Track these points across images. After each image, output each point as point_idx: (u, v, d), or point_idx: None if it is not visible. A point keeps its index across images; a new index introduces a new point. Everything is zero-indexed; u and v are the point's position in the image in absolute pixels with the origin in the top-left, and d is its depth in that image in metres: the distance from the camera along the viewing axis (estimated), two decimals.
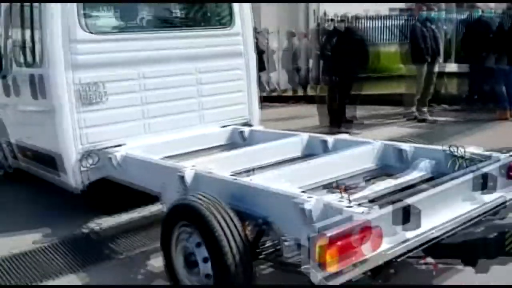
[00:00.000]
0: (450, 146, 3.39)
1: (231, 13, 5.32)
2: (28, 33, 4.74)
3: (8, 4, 5.10)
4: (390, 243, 2.47)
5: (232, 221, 2.82)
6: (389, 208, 2.48)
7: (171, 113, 4.94)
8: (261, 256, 2.99)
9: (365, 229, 2.31)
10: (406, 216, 2.53)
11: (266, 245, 3.04)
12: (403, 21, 14.20)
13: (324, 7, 13.63)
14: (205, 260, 2.93)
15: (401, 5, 16.17)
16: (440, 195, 2.77)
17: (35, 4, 4.53)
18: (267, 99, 11.79)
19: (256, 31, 11.83)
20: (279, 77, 13.84)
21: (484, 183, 3.07)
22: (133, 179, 4.18)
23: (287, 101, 12.67)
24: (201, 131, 5.07)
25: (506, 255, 2.78)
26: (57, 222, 4.73)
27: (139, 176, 4.10)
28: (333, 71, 8.44)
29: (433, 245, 2.64)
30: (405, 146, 3.78)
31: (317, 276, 2.21)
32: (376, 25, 15.75)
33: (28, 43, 4.76)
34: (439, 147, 3.52)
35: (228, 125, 5.30)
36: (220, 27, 5.35)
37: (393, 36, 15.35)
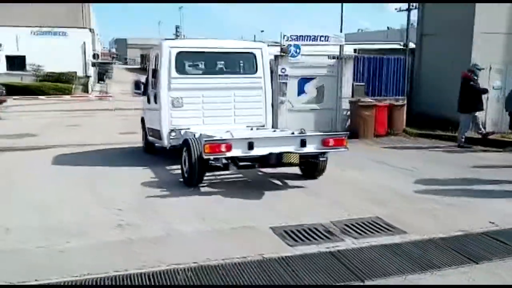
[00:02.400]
0: (302, 129, 7.64)
1: (256, 66, 9.97)
2: (155, 72, 10.01)
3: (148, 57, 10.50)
4: (240, 153, 6.94)
5: (199, 146, 7.41)
6: (240, 138, 6.98)
7: (217, 116, 9.67)
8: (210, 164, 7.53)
9: (224, 143, 6.86)
10: (249, 144, 6.95)
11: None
12: None
13: None
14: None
15: None
16: (268, 140, 7.15)
17: (158, 58, 9.75)
18: (472, 141, 11.86)
19: (472, 68, 11.77)
20: (485, 118, 12.79)
21: (303, 144, 7.28)
22: None
23: (495, 145, 11.84)
24: (232, 127, 9.71)
25: (284, 165, 7.08)
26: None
27: None
28: None
29: (259, 159, 7.04)
30: (297, 132, 8.03)
31: (203, 155, 6.81)
32: None
33: (154, 78, 10.03)
34: (299, 130, 7.77)
35: (249, 126, 9.86)
36: (248, 73, 10.05)
37: None
